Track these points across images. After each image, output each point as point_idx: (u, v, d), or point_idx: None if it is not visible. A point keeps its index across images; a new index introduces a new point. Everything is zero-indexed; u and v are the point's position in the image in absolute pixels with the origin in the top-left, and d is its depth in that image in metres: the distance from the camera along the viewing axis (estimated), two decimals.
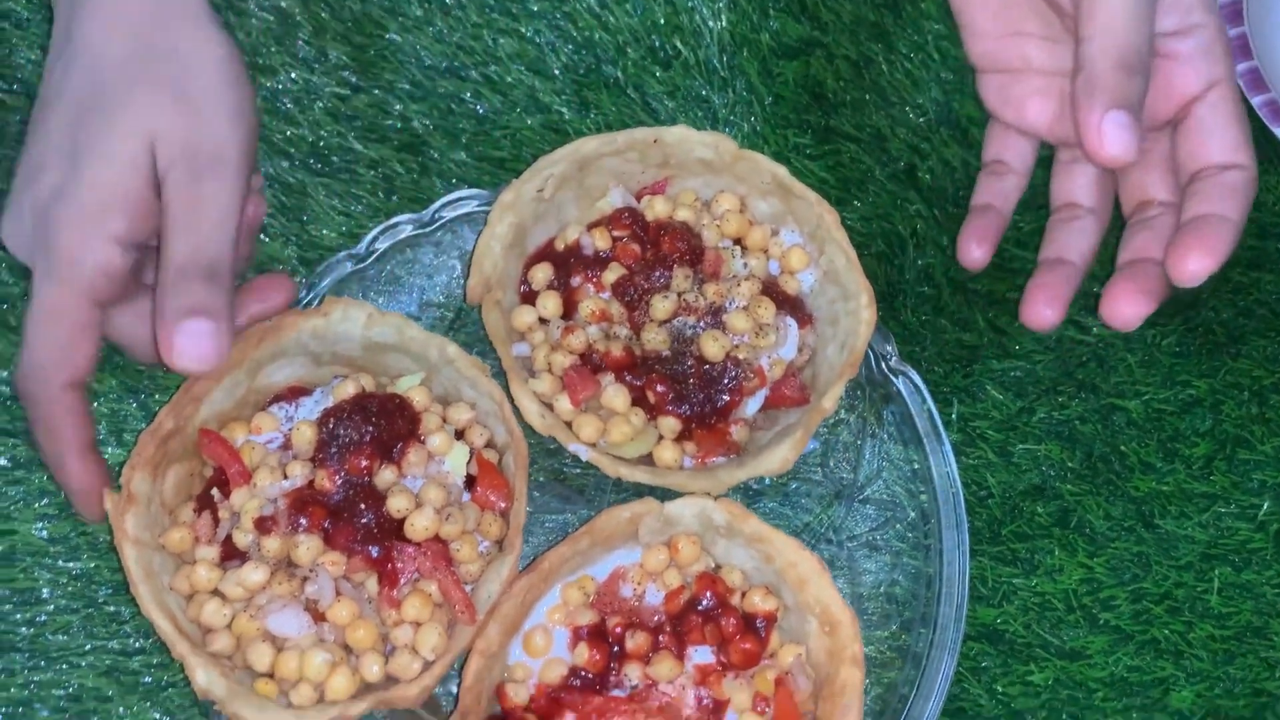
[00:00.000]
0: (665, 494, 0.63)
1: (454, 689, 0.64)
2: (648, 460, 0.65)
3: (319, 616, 0.58)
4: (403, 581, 0.59)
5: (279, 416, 0.63)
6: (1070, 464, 0.70)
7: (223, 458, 0.60)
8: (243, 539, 0.59)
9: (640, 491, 0.64)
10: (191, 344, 0.54)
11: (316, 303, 0.66)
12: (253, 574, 0.58)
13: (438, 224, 0.70)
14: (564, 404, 0.64)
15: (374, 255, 0.69)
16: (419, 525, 0.59)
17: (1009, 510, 0.69)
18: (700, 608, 0.61)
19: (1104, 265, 0.69)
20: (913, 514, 0.68)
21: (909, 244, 0.74)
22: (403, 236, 0.69)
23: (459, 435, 0.63)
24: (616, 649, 0.60)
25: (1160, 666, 0.66)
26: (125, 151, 0.55)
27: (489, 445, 0.64)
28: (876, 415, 0.69)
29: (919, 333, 0.72)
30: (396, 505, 0.59)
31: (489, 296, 0.65)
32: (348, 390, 0.63)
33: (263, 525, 0.59)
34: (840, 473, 0.69)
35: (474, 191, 0.70)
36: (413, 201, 0.72)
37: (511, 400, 0.63)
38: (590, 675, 0.60)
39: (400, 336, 0.63)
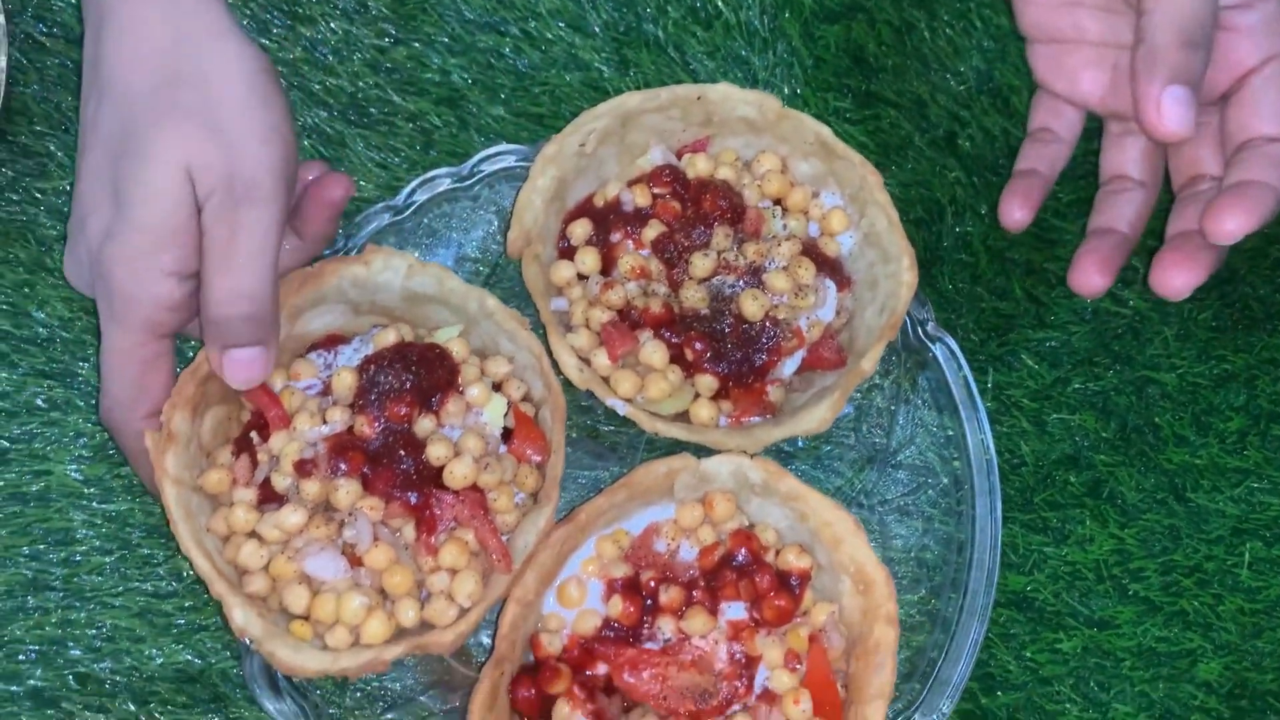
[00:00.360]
0: (700, 451, 0.63)
1: (485, 640, 0.64)
2: (683, 418, 0.65)
3: (356, 561, 0.58)
4: (440, 529, 0.59)
5: (317, 364, 0.63)
6: (1104, 435, 0.70)
7: (262, 401, 0.60)
8: (281, 482, 0.59)
9: (675, 449, 0.64)
10: (239, 369, 0.58)
11: (355, 253, 0.66)
12: (291, 516, 0.58)
13: (476, 178, 0.69)
14: (601, 359, 0.64)
15: (412, 207, 0.69)
16: (458, 473, 0.59)
17: (1041, 479, 0.69)
18: (734, 564, 0.61)
19: (1144, 238, 0.68)
20: (945, 480, 0.68)
21: (947, 211, 0.73)
22: (440, 190, 0.69)
23: (496, 388, 0.63)
24: (650, 602, 0.61)
25: (1189, 638, 0.66)
26: (165, 187, 0.55)
27: (526, 399, 0.64)
28: (911, 381, 0.69)
29: (955, 300, 0.72)
30: (436, 453, 0.59)
31: (528, 250, 0.65)
32: (388, 338, 0.63)
33: (302, 469, 0.59)
34: (873, 437, 0.69)
35: (512, 147, 0.70)
36: (451, 155, 0.72)
37: (549, 354, 0.63)
38: (623, 627, 0.60)
39: (440, 288, 0.63)
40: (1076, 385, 0.71)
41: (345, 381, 0.61)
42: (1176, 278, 0.61)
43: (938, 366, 0.68)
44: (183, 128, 0.55)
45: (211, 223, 0.55)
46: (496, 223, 0.70)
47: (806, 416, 0.62)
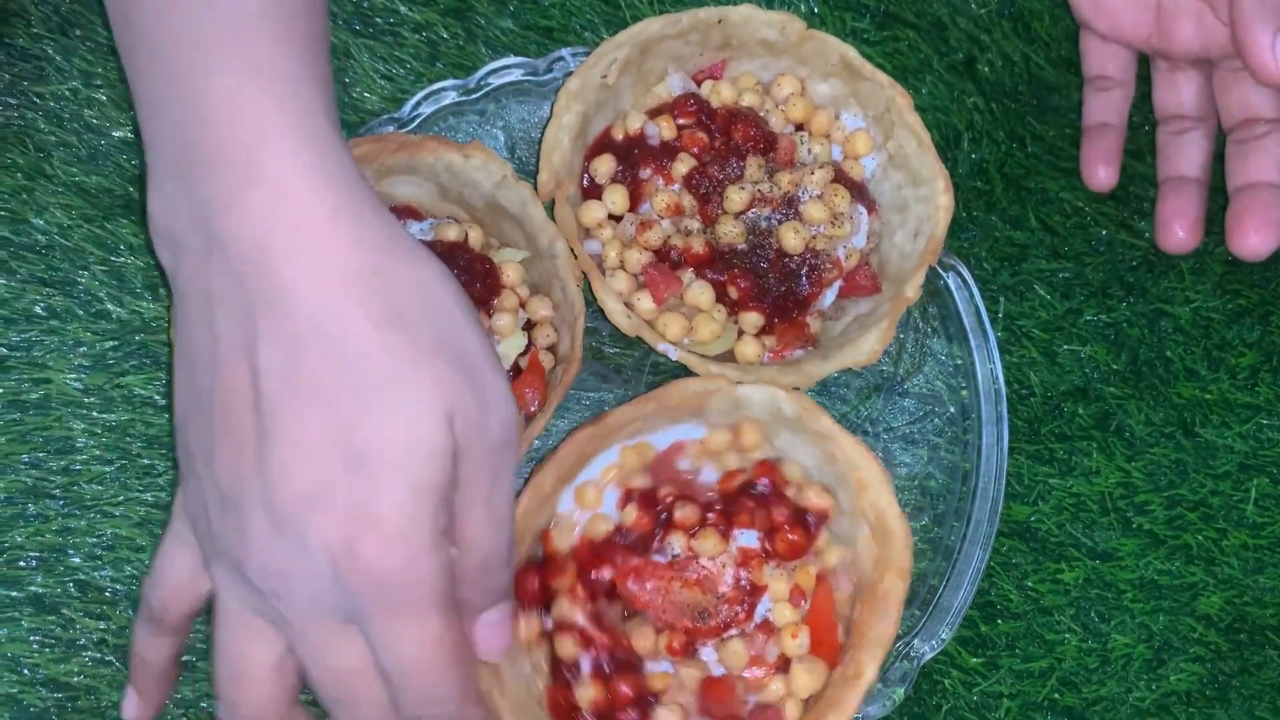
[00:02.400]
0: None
1: None
2: (727, 356, 0.64)
3: None
4: None
5: None
6: (1114, 367, 0.69)
7: None
8: None
9: (680, 374, 0.63)
10: (496, 636, 0.50)
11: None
12: None
13: (482, 92, 0.68)
14: (645, 303, 0.63)
15: (417, 120, 0.67)
16: None
17: (1050, 410, 0.68)
18: (754, 492, 0.60)
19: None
20: (952, 409, 0.67)
21: (964, 137, 0.72)
22: (446, 103, 0.68)
23: (529, 327, 0.63)
24: (664, 516, 0.60)
25: (1191, 572, 0.66)
26: (429, 435, 0.44)
27: (550, 350, 0.63)
28: (922, 309, 0.68)
29: (969, 228, 0.71)
30: None
31: (559, 192, 0.64)
32: (448, 234, 0.62)
33: None
34: (880, 365, 0.68)
35: (520, 60, 0.68)
36: (457, 68, 0.70)
37: (589, 305, 0.62)
38: (634, 536, 0.60)
39: (522, 210, 0.62)
40: (1089, 316, 0.70)
41: None
42: (1255, 239, 0.61)
43: (949, 294, 0.67)
44: (438, 369, 0.44)
45: (474, 473, 0.46)
46: (503, 138, 0.69)
47: (853, 349, 0.62)
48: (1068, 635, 0.65)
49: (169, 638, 0.52)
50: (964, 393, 0.67)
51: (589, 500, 0.61)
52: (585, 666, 0.58)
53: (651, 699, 0.58)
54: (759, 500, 0.60)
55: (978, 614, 0.65)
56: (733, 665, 0.59)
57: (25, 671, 0.61)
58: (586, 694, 0.57)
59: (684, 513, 0.60)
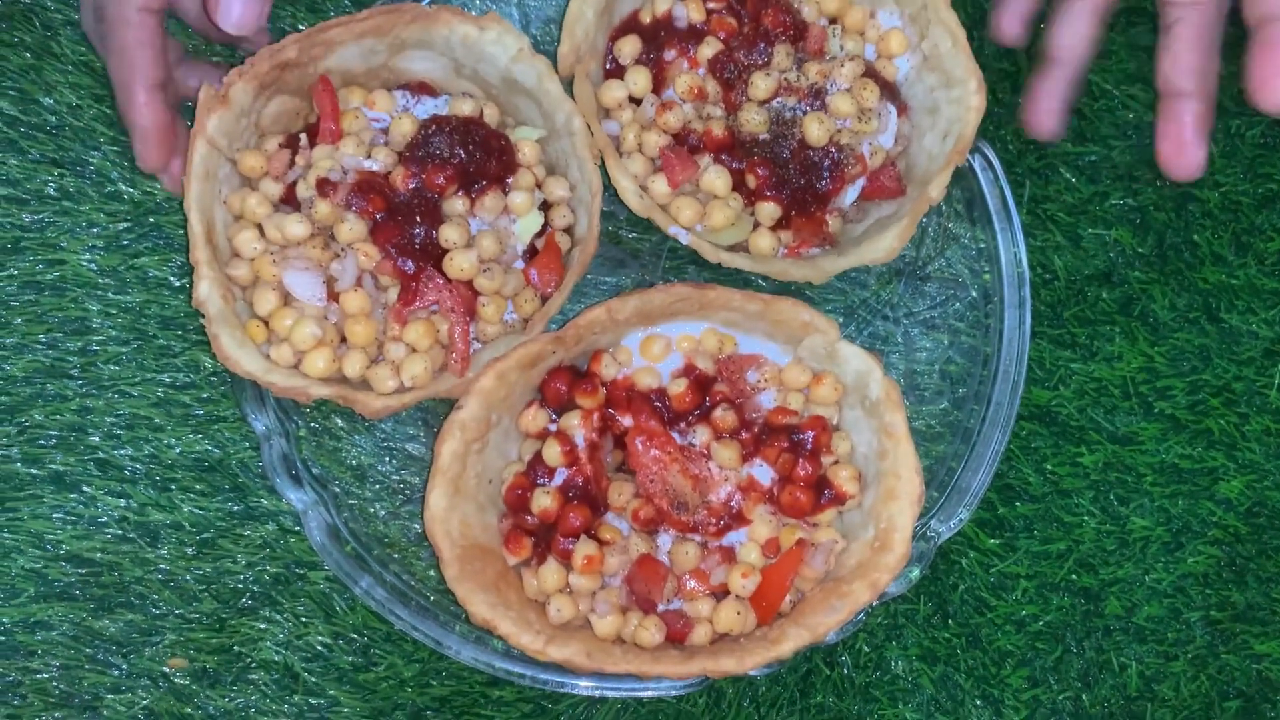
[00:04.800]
0: (767, 285, 0.61)
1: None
2: (741, 248, 0.63)
3: (333, 296, 0.59)
4: (418, 304, 0.59)
5: (397, 102, 0.62)
6: (1140, 250, 0.68)
7: (325, 109, 0.60)
8: (304, 190, 0.59)
9: (697, 262, 0.62)
10: (235, 6, 0.56)
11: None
12: (295, 226, 0.58)
13: None
14: (659, 186, 0.62)
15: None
16: (457, 263, 0.58)
17: (1073, 294, 0.67)
18: (795, 438, 0.60)
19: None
20: (974, 293, 0.66)
21: (989, 18, 0.70)
22: None
23: (545, 207, 0.62)
24: (706, 407, 0.60)
25: (1212, 457, 0.66)
26: None
27: (567, 231, 0.63)
28: (946, 193, 0.67)
29: (995, 111, 0.69)
30: (448, 235, 0.59)
31: (579, 68, 0.62)
32: (463, 108, 0.62)
33: (323, 187, 0.59)
34: (902, 250, 0.67)
35: None
36: None
37: (607, 189, 0.61)
38: (668, 408, 0.60)
39: (539, 85, 0.61)
40: (1115, 200, 0.68)
41: (403, 129, 0.61)
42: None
43: (973, 177, 0.66)
44: None
45: None
46: (517, 16, 0.67)
47: (871, 246, 0.61)
48: (1086, 518, 0.65)
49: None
50: (987, 276, 0.66)
51: (653, 353, 0.61)
52: (556, 479, 0.59)
53: (593, 540, 0.58)
54: (793, 447, 0.59)
55: (996, 496, 0.65)
56: (678, 563, 0.59)
57: (49, 547, 0.61)
58: (543, 500, 0.58)
59: (724, 416, 0.60)
